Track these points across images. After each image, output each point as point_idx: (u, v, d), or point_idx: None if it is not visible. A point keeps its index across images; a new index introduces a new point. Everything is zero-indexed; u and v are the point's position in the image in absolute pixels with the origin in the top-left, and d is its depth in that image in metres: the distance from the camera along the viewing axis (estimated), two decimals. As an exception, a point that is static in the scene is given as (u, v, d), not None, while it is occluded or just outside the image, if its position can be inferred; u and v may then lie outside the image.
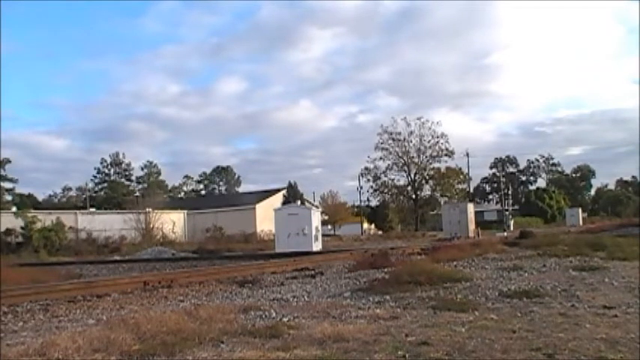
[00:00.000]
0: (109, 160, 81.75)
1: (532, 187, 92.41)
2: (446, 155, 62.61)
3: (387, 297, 7.50)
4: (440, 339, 4.76)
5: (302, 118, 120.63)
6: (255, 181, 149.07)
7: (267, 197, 52.58)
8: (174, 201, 67.69)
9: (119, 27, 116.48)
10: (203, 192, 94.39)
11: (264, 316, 6.34)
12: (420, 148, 62.41)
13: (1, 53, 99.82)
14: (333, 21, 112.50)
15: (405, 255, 16.06)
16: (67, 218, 36.08)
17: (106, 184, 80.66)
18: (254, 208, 50.44)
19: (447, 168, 64.13)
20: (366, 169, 64.23)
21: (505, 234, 33.92)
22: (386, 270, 10.68)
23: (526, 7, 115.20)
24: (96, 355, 4.38)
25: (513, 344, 4.52)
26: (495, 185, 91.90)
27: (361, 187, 64.41)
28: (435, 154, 62.50)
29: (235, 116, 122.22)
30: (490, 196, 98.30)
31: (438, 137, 61.90)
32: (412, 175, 63.18)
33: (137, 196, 65.04)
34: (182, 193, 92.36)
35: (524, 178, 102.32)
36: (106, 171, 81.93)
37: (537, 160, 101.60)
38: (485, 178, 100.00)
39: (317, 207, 39.99)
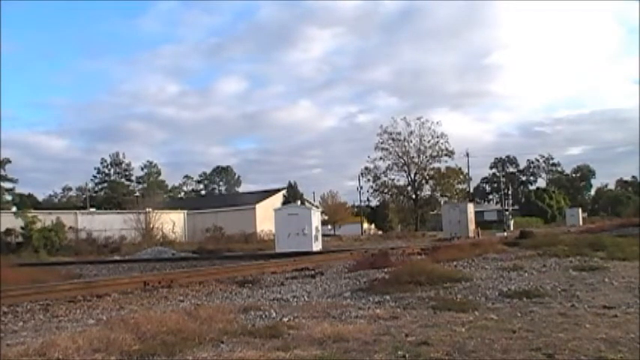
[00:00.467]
0: (109, 160, 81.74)
1: (532, 187, 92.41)
2: (446, 155, 62.62)
3: (387, 297, 7.51)
4: (440, 339, 4.76)
5: (302, 118, 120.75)
6: (255, 181, 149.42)
7: (267, 197, 52.58)
8: (174, 201, 67.69)
9: (118, 27, 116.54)
10: (203, 192, 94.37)
11: (264, 316, 6.34)
12: (420, 148, 62.39)
13: (1, 53, 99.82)
14: (332, 21, 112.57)
15: (405, 255, 16.04)
16: (67, 218, 36.08)
17: (106, 184, 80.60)
18: (254, 208, 50.45)
19: (447, 168, 64.09)
20: (366, 169, 64.24)
21: (505, 234, 33.92)
22: (386, 270, 10.67)
23: (526, 7, 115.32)
24: (96, 355, 4.38)
25: (513, 344, 4.52)
26: (495, 185, 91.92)
27: (361, 187, 64.46)
28: (435, 154, 62.49)
29: (235, 116, 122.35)
30: (490, 196, 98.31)
31: (437, 137, 61.90)
32: (412, 175, 63.16)
33: (137, 196, 65.04)
34: (182, 193, 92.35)
35: (524, 178, 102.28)
36: (106, 171, 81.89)
37: (537, 160, 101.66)
38: (485, 178, 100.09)
39: (317, 207, 39.99)
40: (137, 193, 74.04)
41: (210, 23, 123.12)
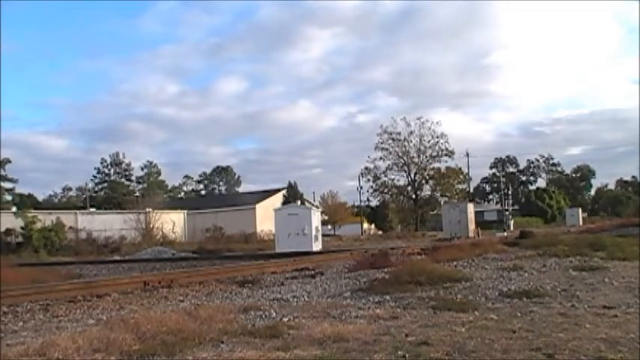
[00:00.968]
0: (109, 160, 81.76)
1: (532, 187, 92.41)
2: (446, 155, 62.61)
3: (387, 297, 7.51)
4: (440, 339, 4.76)
5: (302, 118, 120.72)
6: (255, 181, 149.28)
7: (267, 197, 52.58)
8: (174, 201, 67.68)
9: (118, 27, 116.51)
10: (203, 192, 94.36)
11: (264, 316, 6.35)
12: (420, 148, 62.38)
13: (1, 53, 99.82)
14: (332, 21, 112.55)
15: (405, 255, 16.04)
16: (67, 218, 36.08)
17: (106, 184, 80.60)
18: (254, 208, 50.44)
19: (447, 168, 64.08)
20: (366, 169, 64.23)
21: (505, 234, 33.92)
22: (386, 270, 10.67)
23: (525, 7, 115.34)
24: (96, 355, 4.38)
25: (513, 344, 4.52)
26: (495, 185, 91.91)
27: (361, 187, 64.45)
28: (435, 154, 62.48)
29: (235, 116, 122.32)
30: (490, 196, 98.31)
31: (437, 137, 61.88)
32: (412, 175, 63.15)
33: (137, 196, 65.02)
34: (182, 193, 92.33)
35: (524, 178, 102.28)
36: (106, 171, 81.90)
37: (537, 160, 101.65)
38: (485, 178, 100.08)
39: (317, 207, 39.99)
40: (137, 193, 74.04)
41: (210, 23, 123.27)
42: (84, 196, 75.91)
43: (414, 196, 63.21)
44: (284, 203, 41.56)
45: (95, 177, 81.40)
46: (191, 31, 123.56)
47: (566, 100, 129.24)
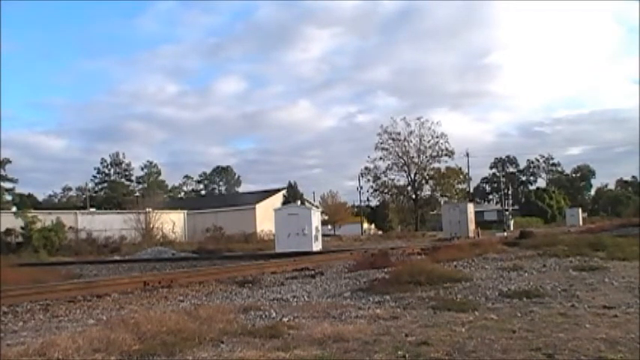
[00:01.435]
0: (108, 160, 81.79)
1: (532, 187, 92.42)
2: (446, 155, 62.66)
3: (387, 297, 7.51)
4: (440, 339, 4.76)
5: (301, 118, 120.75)
6: (254, 181, 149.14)
7: (267, 197, 52.58)
8: (174, 201, 67.67)
9: (117, 27, 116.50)
10: (203, 192, 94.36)
11: (264, 316, 6.35)
12: (419, 148, 62.43)
13: (1, 53, 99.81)
14: (331, 21, 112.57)
15: (405, 255, 16.05)
16: (67, 218, 36.07)
17: (106, 184, 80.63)
18: (254, 208, 50.44)
19: (447, 168, 64.12)
20: (366, 169, 64.28)
21: (505, 234, 33.93)
22: (386, 270, 10.68)
23: (525, 6, 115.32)
24: (96, 355, 4.38)
25: (513, 344, 4.52)
26: (495, 185, 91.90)
27: (361, 187, 64.48)
28: (434, 154, 62.53)
29: (234, 116, 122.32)
30: (490, 196, 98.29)
31: (437, 137, 61.94)
32: (412, 175, 63.18)
33: (137, 196, 64.99)
34: (182, 193, 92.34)
35: (524, 178, 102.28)
36: (106, 171, 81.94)
37: (537, 160, 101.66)
38: (485, 178, 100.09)
39: (317, 207, 39.99)
40: (137, 193, 74.02)
41: (209, 23, 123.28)
42: (84, 196, 75.91)
43: (414, 196, 63.23)
44: (284, 203, 41.56)
45: (95, 177, 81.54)
46: (190, 31, 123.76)
47: (566, 100, 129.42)
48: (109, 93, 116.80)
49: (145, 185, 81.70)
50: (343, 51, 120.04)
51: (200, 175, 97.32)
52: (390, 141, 62.29)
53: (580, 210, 65.39)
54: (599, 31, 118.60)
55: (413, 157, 62.53)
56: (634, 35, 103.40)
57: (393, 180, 64.41)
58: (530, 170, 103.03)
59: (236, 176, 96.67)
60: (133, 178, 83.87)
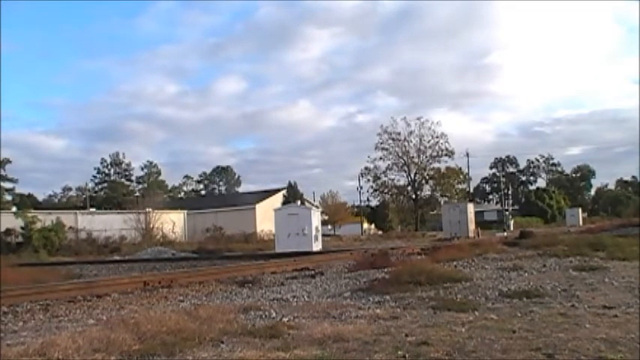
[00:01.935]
0: (108, 160, 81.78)
1: (532, 187, 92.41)
2: (446, 155, 62.66)
3: (387, 297, 7.51)
4: (440, 339, 4.76)
5: (301, 118, 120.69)
6: (254, 181, 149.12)
7: (267, 197, 52.59)
8: (174, 201, 67.70)
9: (117, 27, 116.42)
10: (203, 192, 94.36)
11: (264, 316, 6.34)
12: (420, 148, 62.44)
13: (0, 53, 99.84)
14: (331, 21, 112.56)
15: (405, 255, 16.06)
16: (67, 218, 36.10)
17: (106, 184, 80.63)
18: (254, 208, 50.45)
19: (447, 168, 64.13)
20: (366, 169, 64.29)
21: (505, 234, 33.93)
22: (386, 270, 10.68)
23: (525, 6, 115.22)
24: (96, 355, 4.38)
25: (513, 344, 4.52)
26: (495, 185, 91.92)
27: (361, 187, 64.49)
28: (435, 154, 62.53)
29: (234, 116, 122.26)
30: (490, 196, 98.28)
31: (437, 137, 61.95)
32: (412, 175, 63.19)
33: (137, 196, 65.02)
34: (182, 193, 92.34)
35: (524, 178, 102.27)
36: (106, 171, 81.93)
37: (537, 160, 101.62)
38: (485, 178, 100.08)
39: (317, 207, 39.99)
40: (137, 193, 74.03)
41: (208, 23, 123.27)
42: (84, 196, 75.91)
43: (414, 196, 63.24)
44: (284, 203, 41.56)
45: (95, 177, 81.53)
46: (190, 31, 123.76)
47: (566, 100, 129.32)
48: (109, 93, 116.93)
49: (145, 185, 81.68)
50: (343, 51, 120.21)
51: (200, 175, 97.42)
52: (390, 141, 62.37)
53: (580, 210, 65.40)
54: (599, 31, 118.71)
55: (413, 157, 62.58)
56: (634, 35, 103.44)
57: (393, 180, 64.51)
58: (530, 170, 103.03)
59: (236, 176, 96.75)
60: (133, 178, 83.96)
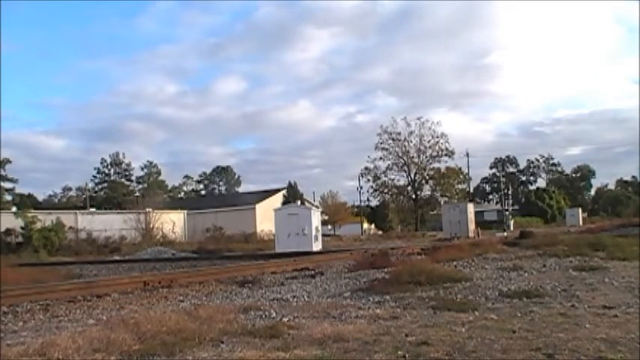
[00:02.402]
0: (108, 160, 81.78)
1: (532, 187, 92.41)
2: (446, 155, 62.65)
3: (387, 297, 7.51)
4: (440, 339, 4.76)
5: (301, 118, 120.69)
6: (254, 181, 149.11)
7: (267, 197, 52.60)
8: (174, 201, 67.70)
9: (116, 27, 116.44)
10: (203, 192, 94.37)
11: (264, 316, 6.35)
12: (420, 148, 62.44)
13: (0, 53, 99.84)
14: (330, 21, 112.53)
15: (405, 255, 16.06)
16: (67, 218, 36.09)
17: (106, 184, 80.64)
18: (254, 208, 50.46)
19: (447, 168, 64.12)
20: (366, 169, 64.30)
21: (505, 234, 33.93)
22: (386, 270, 10.67)
23: (525, 6, 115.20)
24: (96, 355, 4.38)
25: (513, 344, 4.52)
26: (495, 185, 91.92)
27: (361, 187, 64.49)
28: (435, 154, 62.53)
29: (234, 116, 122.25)
30: (490, 196, 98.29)
31: (437, 137, 61.95)
32: (412, 175, 63.20)
33: (137, 196, 65.02)
34: (182, 193, 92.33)
35: (524, 178, 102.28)
36: (106, 171, 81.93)
37: (537, 160, 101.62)
38: (485, 178, 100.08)
39: (317, 207, 39.99)
40: (137, 193, 74.02)
41: (208, 23, 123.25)
42: (84, 196, 75.91)
43: (414, 196, 63.25)
44: (284, 203, 41.56)
45: (95, 177, 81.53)
46: (190, 31, 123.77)
47: (566, 100, 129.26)
48: (109, 93, 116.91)
49: (145, 185, 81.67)
50: (343, 51, 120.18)
51: (200, 175, 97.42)
52: (390, 141, 62.38)
53: (580, 210, 65.39)
54: (599, 31, 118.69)
55: (413, 157, 62.58)
56: (634, 35, 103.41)
57: (393, 180, 64.51)
58: (530, 170, 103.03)
59: (236, 176, 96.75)
60: (133, 178, 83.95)
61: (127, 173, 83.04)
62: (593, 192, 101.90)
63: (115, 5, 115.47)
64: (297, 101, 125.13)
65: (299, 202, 38.16)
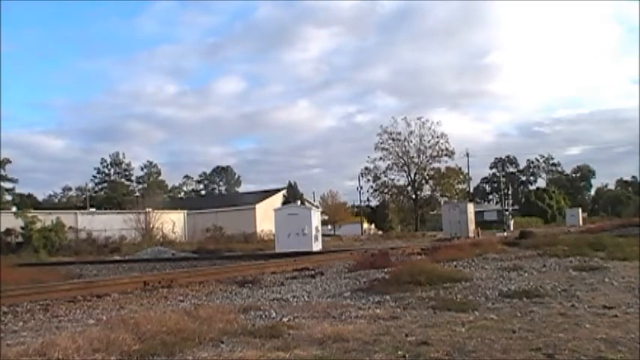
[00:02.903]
0: (108, 160, 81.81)
1: (532, 187, 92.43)
2: (446, 155, 62.76)
3: (387, 297, 7.50)
4: (440, 339, 4.76)
5: (300, 118, 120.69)
6: (254, 181, 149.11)
7: (267, 197, 52.63)
8: (174, 201, 67.70)
9: (116, 27, 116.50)
10: (203, 192, 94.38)
11: (264, 316, 6.34)
12: (420, 148, 62.54)
13: (0, 53, 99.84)
14: (330, 21, 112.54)
15: (405, 255, 16.06)
16: (67, 218, 36.10)
17: (106, 184, 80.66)
18: (254, 208, 50.48)
19: (447, 168, 64.19)
20: (366, 169, 64.37)
21: (505, 234, 33.95)
22: (386, 270, 10.66)
23: (524, 6, 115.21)
24: (96, 355, 4.38)
25: (513, 344, 4.52)
26: (495, 185, 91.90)
27: (361, 187, 64.53)
28: (435, 154, 62.63)
29: (234, 116, 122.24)
30: (490, 196, 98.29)
31: (437, 137, 62.06)
32: (412, 175, 63.26)
33: (137, 196, 65.00)
34: (182, 193, 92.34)
35: (524, 178, 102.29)
36: (106, 171, 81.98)
37: (537, 160, 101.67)
38: (485, 178, 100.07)
39: (317, 207, 39.99)
40: (137, 193, 74.01)
41: (207, 23, 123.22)
42: (84, 196, 75.93)
43: (414, 196, 63.29)
44: (284, 203, 41.57)
45: (95, 177, 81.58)
46: (189, 30, 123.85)
47: (566, 100, 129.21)
48: (109, 93, 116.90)
49: (145, 185, 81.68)
50: (342, 51, 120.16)
51: (200, 175, 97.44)
52: (390, 141, 62.46)
53: (580, 210, 65.38)
54: (599, 31, 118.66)
55: (413, 157, 62.67)
56: (634, 35, 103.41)
57: (393, 180, 64.60)
58: (530, 170, 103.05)
59: (236, 176, 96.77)
60: (133, 178, 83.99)
61: (126, 173, 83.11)
62: (593, 192, 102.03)
63: (115, 5, 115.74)
64: (297, 101, 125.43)
65: (299, 202, 38.15)
